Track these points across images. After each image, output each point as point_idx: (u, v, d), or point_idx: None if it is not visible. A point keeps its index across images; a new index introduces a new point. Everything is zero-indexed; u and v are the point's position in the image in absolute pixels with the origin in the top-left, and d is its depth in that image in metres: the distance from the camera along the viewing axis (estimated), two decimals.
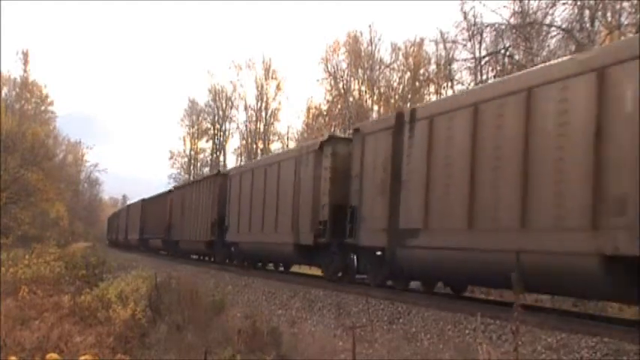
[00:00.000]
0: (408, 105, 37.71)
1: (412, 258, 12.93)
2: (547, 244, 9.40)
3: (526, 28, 24.29)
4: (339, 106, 44.66)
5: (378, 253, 14.24)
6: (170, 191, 37.23)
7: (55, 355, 13.23)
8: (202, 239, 27.37)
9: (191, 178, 58.58)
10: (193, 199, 29.96)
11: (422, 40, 43.10)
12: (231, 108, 65.25)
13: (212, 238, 26.08)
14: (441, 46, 35.77)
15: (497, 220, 10.54)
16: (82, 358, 13.04)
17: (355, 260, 15.91)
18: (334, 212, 16.07)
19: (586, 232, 8.76)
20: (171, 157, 70.71)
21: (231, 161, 63.52)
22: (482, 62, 27.87)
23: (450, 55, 32.80)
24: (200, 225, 27.76)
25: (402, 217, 13.12)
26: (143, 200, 46.20)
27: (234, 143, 66.25)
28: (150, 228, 41.02)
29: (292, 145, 51.22)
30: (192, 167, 69.84)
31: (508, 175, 10.28)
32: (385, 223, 13.65)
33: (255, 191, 21.64)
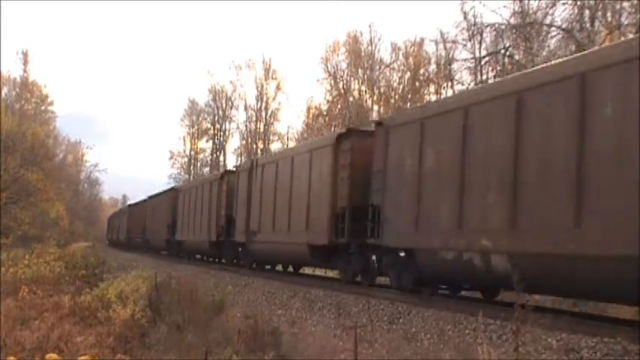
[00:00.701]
0: (408, 105, 37.77)
1: (255, 248, 21.77)
2: (293, 239, 18.09)
3: (526, 28, 24.30)
4: (339, 106, 44.68)
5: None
6: (145, 200, 44.39)
7: (54, 356, 13.22)
8: (163, 238, 35.94)
9: (190, 179, 58.80)
10: (158, 207, 38.59)
11: (422, 40, 43.22)
12: (231, 108, 65.35)
13: (168, 237, 34.33)
14: (441, 46, 35.85)
15: (281, 226, 19.08)
16: (81, 358, 13.04)
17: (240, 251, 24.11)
18: (227, 220, 24.70)
19: (304, 232, 17.41)
20: (171, 157, 70.83)
21: (231, 161, 63.67)
22: (483, 62, 27.90)
23: (450, 55, 32.86)
24: (161, 227, 36.24)
25: (251, 223, 21.53)
26: (129, 205, 54.70)
27: (234, 143, 66.41)
28: (133, 229, 48.11)
29: (292, 144, 51.31)
30: (192, 167, 69.85)
31: (284, 204, 18.82)
32: (244, 227, 22.04)
33: (191, 203, 30.49)
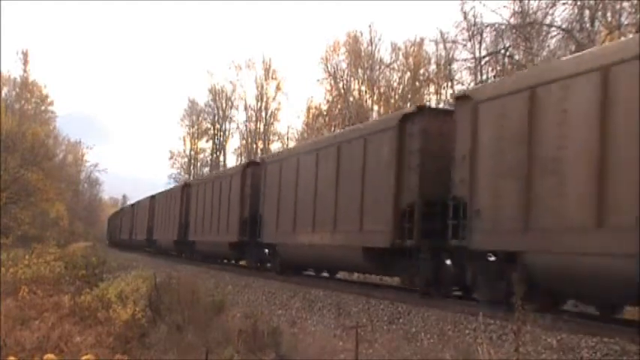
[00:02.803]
0: (409, 105, 37.71)
1: (288, 251, 19.21)
2: (342, 241, 15.44)
3: (526, 28, 24.28)
4: (339, 106, 44.60)
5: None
6: (151, 197, 42.98)
7: (51, 356, 13.21)
8: (172, 238, 33.70)
9: (191, 178, 58.86)
10: (167, 205, 36.90)
11: (422, 40, 43.07)
12: (231, 108, 65.26)
13: (178, 238, 32.29)
14: (441, 46, 35.78)
15: (323, 225, 16.36)
16: (84, 357, 13.03)
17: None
18: (252, 218, 21.93)
19: (356, 233, 14.68)
20: (171, 157, 70.75)
21: (231, 161, 63.61)
22: (483, 62, 27.88)
23: (450, 55, 32.82)
24: (171, 226, 34.21)
25: (282, 222, 19.05)
26: (132, 205, 54.65)
27: (234, 143, 66.33)
28: (138, 228, 47.20)
29: (292, 144, 51.30)
30: (192, 167, 69.80)
31: (329, 200, 16.10)
32: (274, 226, 19.78)
33: (207, 200, 27.96)
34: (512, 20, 25.35)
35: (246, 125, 62.71)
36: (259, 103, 61.92)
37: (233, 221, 23.29)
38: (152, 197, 42.26)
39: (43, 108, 79.66)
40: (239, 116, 64.55)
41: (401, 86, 44.02)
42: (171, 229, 33.73)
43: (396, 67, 44.74)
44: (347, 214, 15.21)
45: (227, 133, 66.51)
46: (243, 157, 60.00)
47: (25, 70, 76.81)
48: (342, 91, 45.21)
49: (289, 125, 62.20)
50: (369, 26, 48.06)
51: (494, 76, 26.11)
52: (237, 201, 22.96)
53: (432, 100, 38.38)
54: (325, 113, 46.77)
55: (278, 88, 61.83)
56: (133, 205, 54.16)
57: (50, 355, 13.21)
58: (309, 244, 17.19)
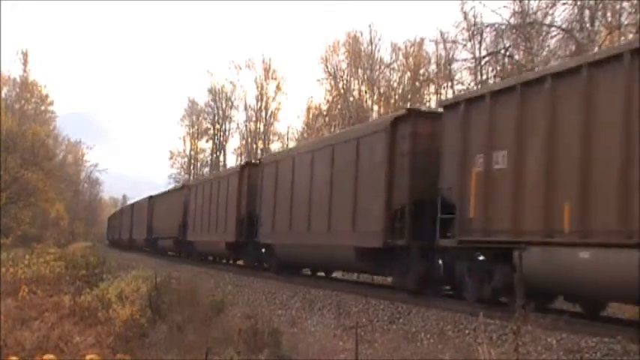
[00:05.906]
0: (409, 105, 37.71)
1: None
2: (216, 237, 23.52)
3: (526, 28, 24.28)
4: (339, 106, 44.59)
5: None
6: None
7: (51, 356, 13.21)
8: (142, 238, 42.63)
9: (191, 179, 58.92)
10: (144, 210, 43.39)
11: (422, 40, 43.02)
12: (231, 108, 65.21)
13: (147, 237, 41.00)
14: (441, 46, 35.82)
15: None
16: (89, 357, 13.04)
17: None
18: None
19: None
20: (171, 157, 70.73)
21: (231, 161, 63.59)
22: (483, 62, 27.90)
23: (450, 55, 32.88)
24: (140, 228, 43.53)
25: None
26: (130, 205, 57.78)
27: (234, 143, 66.28)
28: (127, 228, 51.11)
29: (292, 144, 51.29)
30: (192, 167, 69.78)
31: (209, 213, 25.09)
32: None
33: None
34: (512, 20, 25.36)
35: (246, 125, 62.76)
36: (259, 103, 61.93)
37: (174, 224, 32.22)
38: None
39: (43, 108, 79.43)
40: (239, 116, 64.58)
41: (401, 86, 44.01)
42: (141, 228, 41.78)
43: (396, 67, 44.76)
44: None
45: (227, 133, 66.53)
46: (243, 157, 59.99)
47: (25, 70, 76.56)
48: (342, 91, 45.21)
49: (289, 125, 62.25)
50: (369, 26, 48.10)
51: (495, 76, 26.12)
52: (178, 210, 31.72)
53: (431, 101, 38.42)
54: (325, 113, 46.76)
55: (278, 88, 61.82)
56: (124, 207, 57.71)
57: (50, 356, 13.22)
58: (206, 241, 27.19)
